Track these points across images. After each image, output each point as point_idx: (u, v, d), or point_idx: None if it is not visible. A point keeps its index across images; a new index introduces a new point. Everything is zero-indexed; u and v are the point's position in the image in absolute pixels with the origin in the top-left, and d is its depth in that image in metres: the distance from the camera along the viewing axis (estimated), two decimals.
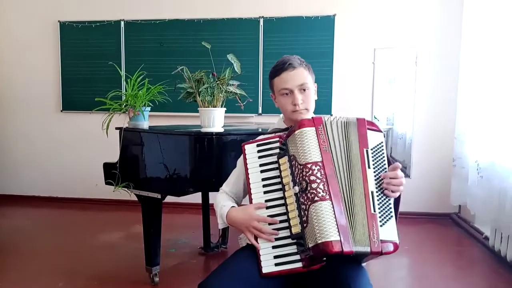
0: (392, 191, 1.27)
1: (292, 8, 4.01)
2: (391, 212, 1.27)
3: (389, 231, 1.23)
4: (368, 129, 1.32)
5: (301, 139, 1.28)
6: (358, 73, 4.01)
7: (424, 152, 3.92)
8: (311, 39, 3.96)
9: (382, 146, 1.33)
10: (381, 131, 1.35)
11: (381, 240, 1.20)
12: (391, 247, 1.21)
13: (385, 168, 1.31)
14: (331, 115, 3.84)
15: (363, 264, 1.33)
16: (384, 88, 3.99)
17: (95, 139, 4.11)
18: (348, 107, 3.96)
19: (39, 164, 4.58)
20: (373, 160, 1.29)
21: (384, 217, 1.24)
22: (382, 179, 1.28)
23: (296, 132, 1.30)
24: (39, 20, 4.43)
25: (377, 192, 1.26)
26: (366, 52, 3.98)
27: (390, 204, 1.28)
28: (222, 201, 1.46)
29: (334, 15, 3.95)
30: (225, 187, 1.53)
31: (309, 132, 1.29)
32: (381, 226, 1.22)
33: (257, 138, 1.48)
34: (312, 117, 1.35)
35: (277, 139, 1.37)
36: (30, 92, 4.53)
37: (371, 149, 1.30)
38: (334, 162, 1.27)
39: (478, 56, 3.24)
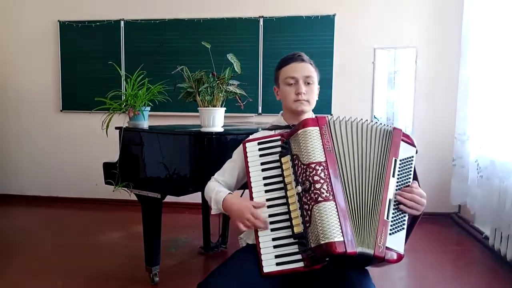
0: (407, 206, 1.25)
1: (292, 7, 4.00)
2: (403, 224, 1.25)
3: (396, 241, 1.21)
4: (402, 140, 1.32)
5: (305, 139, 1.27)
6: (358, 73, 4.00)
7: (424, 151, 3.91)
8: (311, 39, 3.96)
9: (412, 160, 1.32)
10: (415, 146, 1.35)
11: (386, 247, 1.19)
12: (394, 256, 1.20)
13: (409, 183, 1.30)
14: (331, 115, 3.86)
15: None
16: (384, 87, 3.99)
17: (95, 139, 4.11)
18: (348, 106, 3.95)
19: (39, 164, 4.57)
20: (399, 171, 1.28)
21: (395, 227, 1.23)
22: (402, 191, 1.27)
23: (300, 131, 1.29)
24: (38, 19, 4.43)
25: (395, 202, 1.26)
26: (366, 52, 3.98)
27: (404, 217, 1.27)
28: (217, 187, 1.44)
29: (334, 15, 3.94)
30: (218, 176, 1.51)
31: (313, 132, 1.28)
32: (390, 234, 1.21)
33: (257, 135, 1.47)
34: (316, 116, 1.34)
35: (279, 137, 1.36)
36: (30, 92, 4.53)
37: (400, 160, 1.29)
38: (339, 162, 1.26)
39: (478, 55, 3.24)
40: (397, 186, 1.27)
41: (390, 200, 1.24)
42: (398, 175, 1.28)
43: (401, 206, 1.26)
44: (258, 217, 1.27)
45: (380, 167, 1.27)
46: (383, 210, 1.22)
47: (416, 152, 1.35)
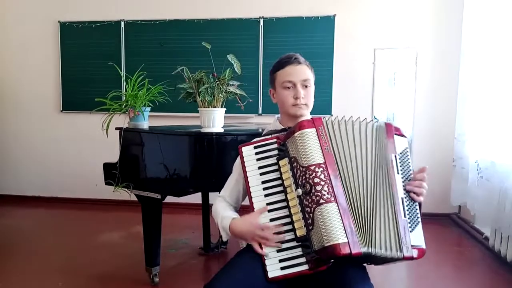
0: (418, 194, 1.26)
1: (292, 8, 4.01)
2: (418, 218, 1.26)
3: (417, 237, 1.22)
4: (395, 134, 1.31)
5: (302, 141, 1.25)
6: (358, 73, 4.01)
7: (424, 152, 3.92)
8: (311, 40, 3.96)
9: (408, 151, 1.32)
10: (406, 136, 1.35)
11: (411, 245, 1.19)
12: (416, 254, 1.20)
13: (411, 174, 1.30)
14: (331, 115, 3.86)
15: (364, 264, 1.32)
16: (384, 88, 3.99)
17: (95, 139, 4.11)
18: (348, 107, 3.95)
19: (39, 164, 4.57)
20: (400, 166, 1.28)
21: (413, 223, 1.23)
22: (408, 184, 1.27)
23: (296, 133, 1.27)
24: (39, 20, 4.43)
25: (405, 198, 1.25)
26: (366, 52, 3.98)
27: (417, 209, 1.27)
28: (222, 211, 1.43)
29: (334, 16, 3.95)
30: (224, 192, 1.51)
31: (310, 134, 1.27)
32: (410, 231, 1.21)
33: (253, 140, 1.45)
34: (312, 118, 1.33)
35: (275, 140, 1.35)
36: (30, 92, 4.53)
37: (399, 154, 1.29)
38: (338, 163, 1.25)
39: (478, 56, 3.24)
40: (402, 181, 1.27)
41: (402, 199, 1.24)
42: (401, 170, 1.28)
43: (412, 195, 1.26)
44: (267, 228, 1.25)
45: (383, 167, 1.26)
46: (399, 210, 1.22)
47: (408, 143, 1.35)
